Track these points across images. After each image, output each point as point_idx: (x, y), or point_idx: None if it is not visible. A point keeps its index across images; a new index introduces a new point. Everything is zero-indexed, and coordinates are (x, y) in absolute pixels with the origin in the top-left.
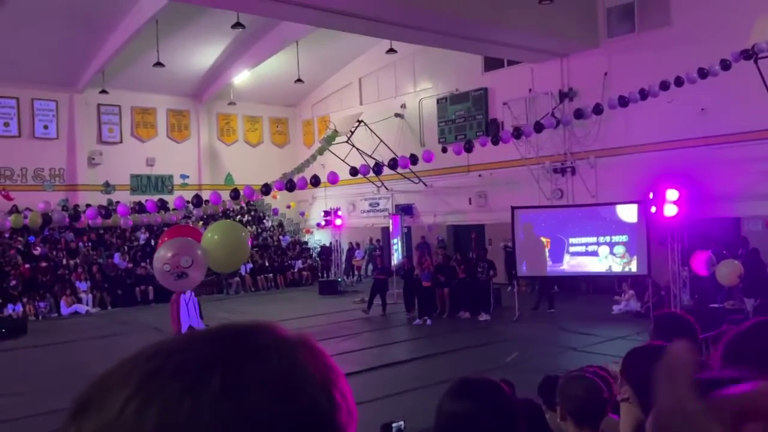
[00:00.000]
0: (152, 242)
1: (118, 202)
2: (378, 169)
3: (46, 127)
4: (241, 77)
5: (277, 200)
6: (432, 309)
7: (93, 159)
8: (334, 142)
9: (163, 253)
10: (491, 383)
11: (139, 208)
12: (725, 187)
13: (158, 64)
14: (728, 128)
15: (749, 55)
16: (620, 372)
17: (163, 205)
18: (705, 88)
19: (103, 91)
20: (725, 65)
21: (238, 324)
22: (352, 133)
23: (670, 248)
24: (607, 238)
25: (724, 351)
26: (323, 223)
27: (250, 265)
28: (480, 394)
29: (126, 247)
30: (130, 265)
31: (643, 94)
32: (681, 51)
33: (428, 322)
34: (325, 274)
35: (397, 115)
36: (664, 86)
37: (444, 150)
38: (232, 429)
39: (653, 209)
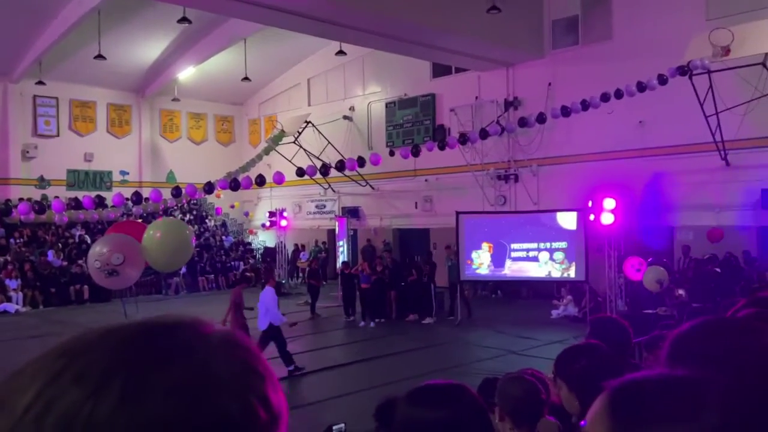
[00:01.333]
0: (88, 240)
1: (56, 197)
2: (325, 170)
3: None
4: (186, 73)
5: (221, 200)
6: (378, 312)
7: (27, 152)
8: (281, 142)
9: (98, 249)
10: (458, 387)
11: (76, 204)
12: (660, 198)
13: (99, 56)
14: (664, 141)
15: (684, 71)
16: (553, 372)
17: (100, 202)
18: (643, 102)
19: (40, 82)
20: (662, 80)
21: (157, 321)
22: (300, 133)
23: (607, 255)
24: (548, 245)
25: (670, 350)
26: (268, 224)
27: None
28: (451, 399)
29: (60, 245)
30: (65, 263)
31: (585, 105)
32: (621, 65)
33: (371, 324)
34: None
35: (345, 117)
36: (605, 98)
37: (392, 153)
38: None
39: (591, 217)
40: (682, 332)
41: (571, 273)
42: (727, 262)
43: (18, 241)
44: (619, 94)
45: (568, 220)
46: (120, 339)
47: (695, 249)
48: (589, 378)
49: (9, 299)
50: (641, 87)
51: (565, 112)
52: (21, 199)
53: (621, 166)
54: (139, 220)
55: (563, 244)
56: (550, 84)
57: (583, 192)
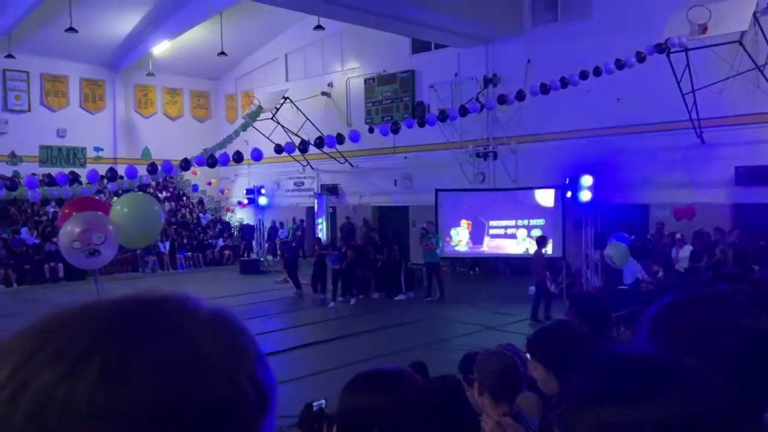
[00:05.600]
0: None
1: (33, 174)
2: (304, 147)
3: None
4: (161, 47)
5: (198, 176)
6: (350, 290)
7: None
8: (259, 118)
9: (70, 229)
10: (398, 372)
11: (49, 180)
12: (636, 175)
13: (71, 29)
14: (640, 119)
15: (662, 48)
16: (528, 353)
17: (74, 179)
18: (621, 80)
19: (9, 56)
20: (640, 58)
21: (140, 297)
22: (277, 109)
23: (584, 232)
24: (525, 222)
25: (651, 326)
26: (245, 201)
27: (168, 243)
28: (390, 385)
29: (33, 222)
30: (38, 241)
31: (563, 83)
32: (600, 42)
33: (351, 301)
34: (246, 254)
35: (323, 93)
36: (583, 75)
37: (371, 130)
38: (106, 422)
39: (569, 194)
40: (662, 308)
41: (549, 250)
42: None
43: None
44: (597, 72)
45: (545, 197)
46: (100, 316)
47: (668, 226)
48: (566, 357)
49: None
50: (619, 65)
51: (544, 89)
52: None
53: (598, 144)
54: (115, 198)
55: (541, 222)
56: (529, 61)
57: (560, 169)
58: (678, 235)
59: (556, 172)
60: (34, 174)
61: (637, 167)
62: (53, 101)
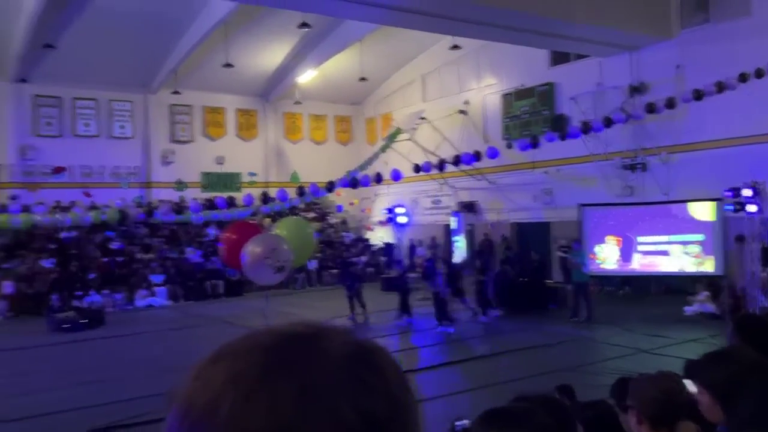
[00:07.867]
0: None
1: (194, 199)
2: (441, 166)
3: (122, 126)
4: (307, 76)
5: (341, 197)
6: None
7: (166, 157)
8: (397, 139)
9: (252, 248)
10: (529, 410)
11: (210, 204)
12: None
13: (227, 65)
14: None
15: None
16: (690, 376)
17: (231, 202)
18: None
19: (176, 92)
20: None
21: (292, 332)
22: (415, 130)
23: (748, 248)
24: (680, 237)
25: None
26: (385, 220)
27: (315, 261)
28: (520, 423)
29: (197, 243)
30: (202, 260)
31: (720, 87)
32: (761, 42)
33: (450, 328)
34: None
35: (460, 111)
36: (743, 78)
37: (509, 146)
38: None
39: (731, 207)
40: None
41: (707, 267)
42: None
43: (160, 240)
44: (759, 73)
45: (702, 210)
46: (262, 348)
47: None
48: (735, 384)
49: (153, 293)
50: None
51: (698, 95)
52: (161, 201)
53: (763, 151)
54: (268, 219)
55: (698, 237)
56: (678, 66)
57: (719, 180)
58: None
59: (715, 183)
60: (195, 198)
61: None
62: (213, 131)
